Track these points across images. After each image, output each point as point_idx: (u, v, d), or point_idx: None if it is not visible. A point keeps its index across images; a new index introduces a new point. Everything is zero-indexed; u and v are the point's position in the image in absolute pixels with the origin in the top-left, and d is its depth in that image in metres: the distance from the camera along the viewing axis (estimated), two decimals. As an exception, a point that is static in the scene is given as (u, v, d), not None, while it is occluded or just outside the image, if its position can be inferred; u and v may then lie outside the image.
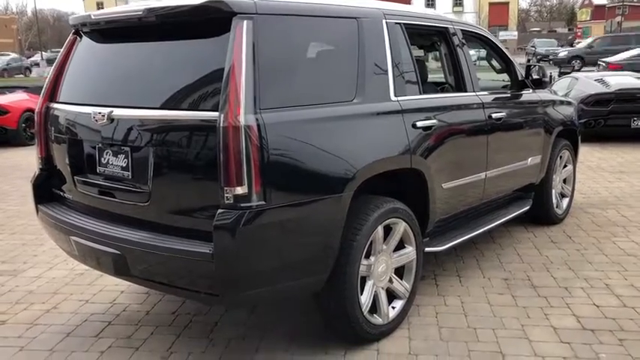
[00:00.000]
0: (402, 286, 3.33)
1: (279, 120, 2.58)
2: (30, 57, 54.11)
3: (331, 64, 2.97)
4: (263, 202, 2.51)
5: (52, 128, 3.31)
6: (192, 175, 2.66)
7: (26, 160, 9.63)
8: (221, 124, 2.47)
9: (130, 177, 2.88)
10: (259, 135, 2.50)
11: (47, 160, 3.37)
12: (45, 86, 3.41)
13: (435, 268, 4.18)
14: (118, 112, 2.84)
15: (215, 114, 2.51)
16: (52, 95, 3.36)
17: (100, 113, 2.87)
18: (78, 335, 3.36)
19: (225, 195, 2.49)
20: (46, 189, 3.40)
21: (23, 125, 11.05)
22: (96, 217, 3.06)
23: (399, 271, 3.35)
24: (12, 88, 12.48)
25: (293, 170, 2.63)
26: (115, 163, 2.94)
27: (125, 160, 2.88)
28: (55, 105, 3.31)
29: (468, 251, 4.50)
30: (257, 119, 2.50)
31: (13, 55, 42.39)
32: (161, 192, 2.74)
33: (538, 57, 38.92)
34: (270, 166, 2.53)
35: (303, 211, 2.67)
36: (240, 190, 2.48)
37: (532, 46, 42.75)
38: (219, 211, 2.50)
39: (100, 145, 3.00)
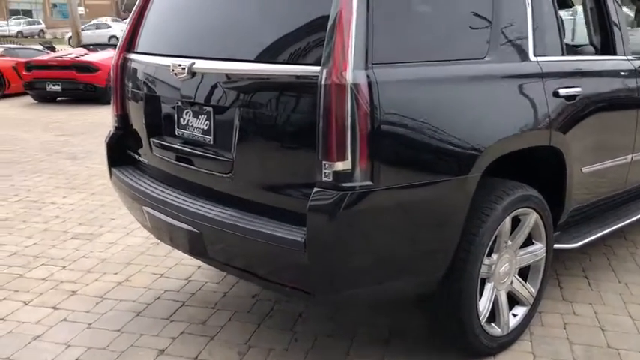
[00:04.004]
0: (525, 290, 2.74)
1: (395, 78, 2.04)
2: (125, 19, 56.04)
3: (460, 11, 2.36)
4: (369, 183, 1.99)
5: (129, 83, 2.93)
6: (283, 144, 2.17)
7: (114, 118, 9.63)
8: (322, 82, 1.96)
9: (212, 142, 2.44)
10: (370, 96, 1.97)
11: (123, 119, 3.01)
12: (122, 35, 3.03)
13: (557, 266, 3.53)
14: (200, 64, 2.38)
15: (316, 69, 2.00)
16: (130, 45, 2.97)
17: (179, 65, 2.43)
18: (149, 315, 3.02)
19: (324, 171, 1.99)
20: (121, 151, 3.05)
21: (112, 83, 11.09)
22: (172, 186, 2.66)
23: (523, 272, 2.76)
24: (103, 46, 12.60)
25: (409, 143, 2.09)
26: (196, 125, 2.51)
27: (207, 122, 2.45)
28: (133, 56, 2.91)
29: (594, 247, 3.80)
30: (368, 76, 1.97)
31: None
32: (246, 162, 2.28)
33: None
34: (381, 137, 2.00)
35: (418, 196, 2.13)
36: (341, 166, 1.97)
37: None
38: (315, 190, 2.00)
39: (179, 103, 2.58)
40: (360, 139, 1.96)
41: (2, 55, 12.63)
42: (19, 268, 3.61)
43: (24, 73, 11.34)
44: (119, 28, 34.52)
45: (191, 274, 3.50)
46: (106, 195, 5.13)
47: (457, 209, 2.24)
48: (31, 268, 3.62)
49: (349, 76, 1.94)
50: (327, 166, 1.98)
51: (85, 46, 13.07)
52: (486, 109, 2.31)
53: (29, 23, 44.98)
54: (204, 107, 2.44)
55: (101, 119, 9.50)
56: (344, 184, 1.97)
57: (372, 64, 1.98)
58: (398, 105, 2.03)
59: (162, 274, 3.51)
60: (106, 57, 11.39)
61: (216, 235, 2.32)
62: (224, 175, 2.36)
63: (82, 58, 11.07)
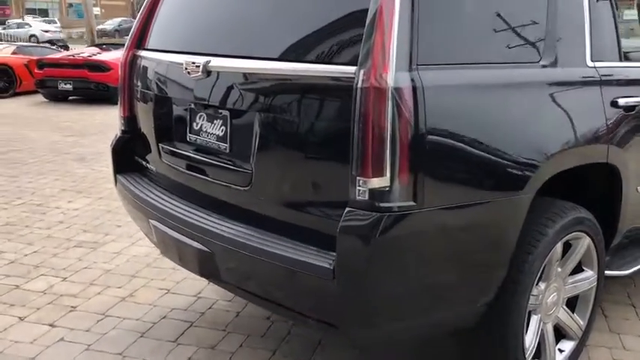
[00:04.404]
0: (574, 323, 2.45)
1: (442, 81, 1.76)
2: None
3: (512, 9, 2.07)
4: (411, 203, 1.71)
5: (138, 82, 2.68)
6: (310, 155, 1.90)
7: (125, 119, 9.40)
8: (358, 85, 1.69)
9: (228, 150, 2.17)
10: (414, 102, 1.69)
11: (130, 122, 2.76)
12: (132, 30, 2.78)
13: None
14: (217, 62, 2.12)
15: (351, 69, 1.72)
16: (140, 41, 2.72)
17: (193, 63, 2.17)
18: (153, 337, 2.75)
19: (358, 188, 1.71)
20: (128, 156, 2.80)
21: (125, 83, 10.87)
22: (182, 197, 2.39)
23: (570, 303, 2.47)
24: (116, 46, 12.43)
25: (457, 157, 1.80)
26: (210, 130, 2.24)
27: (223, 127, 2.18)
28: (143, 53, 2.66)
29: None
30: (412, 79, 1.69)
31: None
32: (267, 174, 2.01)
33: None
34: (426, 150, 1.72)
35: (465, 218, 1.85)
36: (378, 183, 1.69)
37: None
38: (347, 209, 1.73)
39: (192, 105, 2.32)
40: (400, 152, 1.68)
41: (15, 53, 12.51)
42: (17, 279, 3.36)
43: (35, 71, 11.19)
44: (39, 27, 34.66)
45: (200, 290, 3.23)
46: (112, 200, 4.88)
47: (508, 233, 1.96)
48: (29, 278, 3.37)
49: (390, 79, 1.67)
50: (361, 182, 1.70)
51: (98, 45, 12.91)
52: (540, 120, 2.03)
53: (45, 22, 45.19)
54: (220, 111, 2.18)
55: (112, 120, 9.28)
56: (381, 204, 1.69)
57: (417, 65, 1.71)
58: (445, 113, 1.76)
59: (169, 290, 3.25)
60: (119, 57, 11.18)
61: (230, 256, 2.05)
62: (241, 188, 2.09)
63: (94, 57, 10.89)
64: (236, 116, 2.13)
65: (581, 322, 2.48)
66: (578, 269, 2.43)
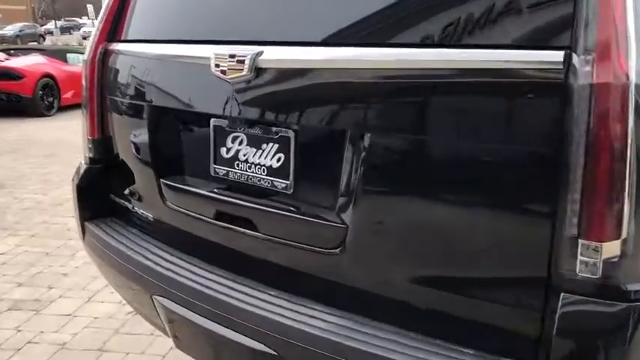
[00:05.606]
0: None
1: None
2: (43, 25, 52.82)
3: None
4: (665, 277, 1.03)
5: (117, 88, 1.84)
6: (467, 200, 1.16)
7: (45, 133, 8.18)
8: (577, 81, 0.99)
9: (291, 190, 1.40)
10: (670, 112, 1.01)
11: (103, 146, 1.91)
12: (101, 16, 1.92)
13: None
14: (274, 53, 1.34)
15: (555, 55, 1.01)
16: (115, 30, 1.87)
17: (232, 57, 1.38)
18: None
19: (580, 257, 1.01)
20: (101, 195, 1.94)
21: (40, 93, 9.58)
22: (209, 262, 1.58)
23: None
24: (27, 51, 11.07)
25: None
26: (255, 159, 1.46)
27: (280, 154, 1.41)
28: (124, 46, 1.82)
29: None
30: (663, 75, 1.01)
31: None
32: (376, 229, 1.26)
33: None
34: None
35: None
36: (616, 249, 0.99)
37: None
38: (565, 295, 1.01)
39: (220, 122, 1.53)
40: (650, 196, 0.99)
41: None
42: None
43: None
44: None
45: (198, 367, 2.40)
46: (49, 238, 3.91)
47: None
48: (-51, 367, 2.42)
49: (632, 72, 0.97)
50: (586, 248, 1.00)
51: (5, 51, 11.42)
52: None
53: None
54: (276, 130, 1.40)
55: (30, 135, 8.07)
56: (627, 286, 0.99)
57: (663, 49, 1.03)
58: None
59: (154, 369, 2.41)
60: (31, 63, 9.93)
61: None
62: (325, 252, 1.32)
63: (3, 64, 9.53)
64: (309, 138, 1.36)
65: None
66: None
